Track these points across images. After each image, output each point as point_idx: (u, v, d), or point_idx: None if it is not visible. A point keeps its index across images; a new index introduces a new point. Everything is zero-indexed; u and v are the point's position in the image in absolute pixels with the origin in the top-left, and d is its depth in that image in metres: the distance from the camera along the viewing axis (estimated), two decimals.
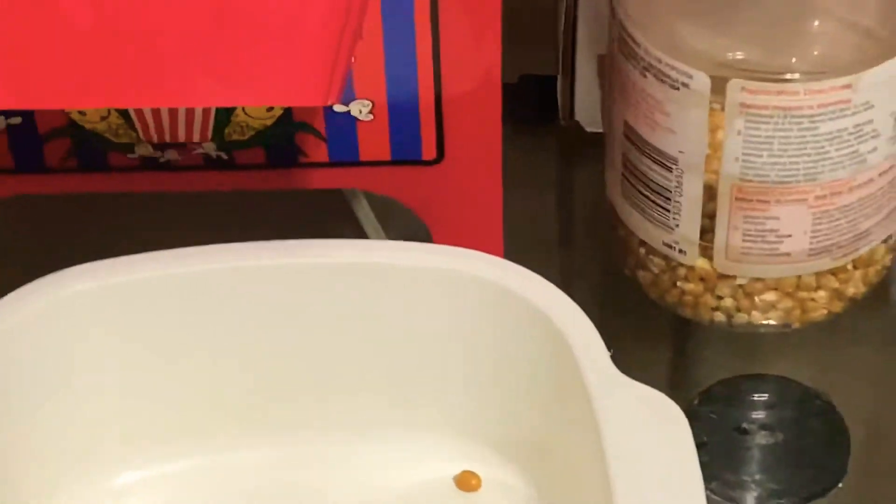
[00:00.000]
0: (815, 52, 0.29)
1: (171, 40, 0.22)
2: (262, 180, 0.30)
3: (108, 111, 0.29)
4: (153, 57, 0.22)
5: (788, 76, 0.27)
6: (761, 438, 0.30)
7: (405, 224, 0.33)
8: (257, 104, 0.28)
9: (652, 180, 0.30)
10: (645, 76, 0.29)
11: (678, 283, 0.31)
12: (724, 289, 0.32)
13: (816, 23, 0.29)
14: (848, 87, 0.27)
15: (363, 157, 0.30)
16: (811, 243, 0.30)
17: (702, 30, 0.29)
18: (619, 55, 0.30)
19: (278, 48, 0.22)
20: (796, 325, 0.32)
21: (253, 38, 0.22)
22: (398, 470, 0.29)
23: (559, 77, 0.38)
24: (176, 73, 0.22)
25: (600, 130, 0.36)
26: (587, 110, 0.38)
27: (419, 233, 0.31)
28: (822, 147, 0.29)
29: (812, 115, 0.27)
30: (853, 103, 0.27)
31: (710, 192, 0.29)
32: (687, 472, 0.23)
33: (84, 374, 0.28)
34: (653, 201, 0.31)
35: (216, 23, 0.22)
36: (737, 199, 0.29)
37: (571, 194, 0.41)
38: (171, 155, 0.30)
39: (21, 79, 0.23)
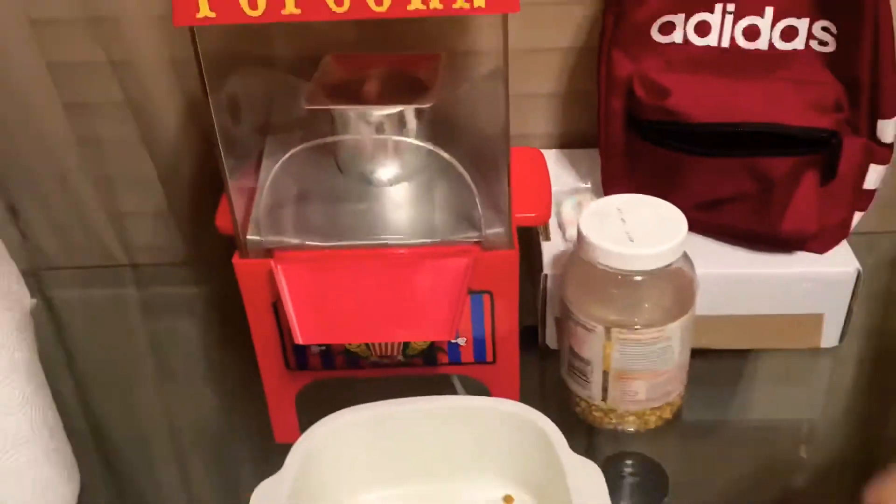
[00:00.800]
0: (647, 317, 0.54)
1: (389, 316, 0.51)
2: (421, 370, 0.57)
3: (366, 345, 0.55)
4: (382, 320, 0.51)
5: (637, 327, 0.53)
6: (629, 479, 0.56)
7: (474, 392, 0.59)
8: (421, 339, 0.54)
9: (578, 369, 0.57)
10: (576, 327, 0.55)
11: (594, 412, 0.59)
12: (612, 414, 0.58)
13: (646, 305, 0.54)
14: (662, 331, 0.55)
15: (463, 360, 0.56)
16: (648, 396, 0.57)
17: (603, 310, 0.55)
18: (568, 318, 0.56)
19: (432, 316, 0.50)
20: (642, 430, 0.59)
21: (422, 312, 0.51)
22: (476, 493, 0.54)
23: (539, 327, 0.64)
24: (390, 327, 0.51)
25: (555, 347, 0.64)
26: (550, 340, 0.64)
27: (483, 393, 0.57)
28: (626, 355, 0.54)
29: (645, 342, 0.54)
30: (663, 337, 0.54)
31: (604, 377, 0.56)
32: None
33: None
34: (579, 378, 0.58)
35: (405, 308, 0.50)
36: (617, 378, 0.56)
37: (545, 375, 0.65)
38: (383, 360, 0.57)
39: (331, 328, 0.52)
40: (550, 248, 0.63)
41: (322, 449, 0.51)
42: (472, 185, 0.50)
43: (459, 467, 0.54)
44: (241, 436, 0.76)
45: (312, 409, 0.55)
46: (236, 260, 0.52)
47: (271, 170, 0.52)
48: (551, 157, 0.71)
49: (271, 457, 0.55)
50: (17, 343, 0.50)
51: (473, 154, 0.53)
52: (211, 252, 0.77)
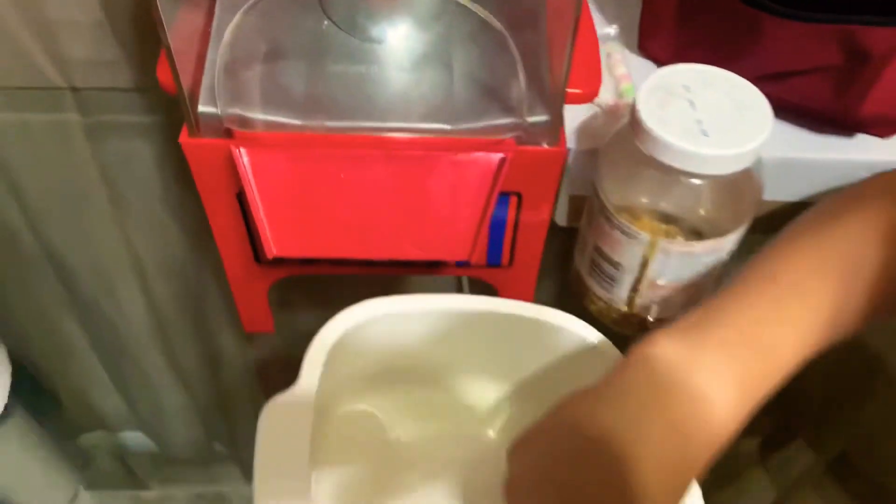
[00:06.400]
0: (703, 226, 0.37)
1: (394, 224, 0.33)
2: (420, 270, 0.41)
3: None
4: (379, 232, 0.33)
5: (686, 238, 0.37)
6: None
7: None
8: (433, 258, 0.35)
9: (605, 271, 0.41)
10: (611, 227, 0.38)
11: (612, 315, 0.43)
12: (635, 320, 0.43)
13: (703, 213, 0.37)
14: (717, 243, 0.38)
15: (472, 263, 0.39)
16: (682, 304, 0.41)
17: (650, 214, 0.37)
18: (598, 210, 0.39)
19: (448, 231, 0.32)
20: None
21: (436, 226, 0.33)
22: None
23: None
24: (390, 241, 0.33)
25: (565, 225, 0.45)
26: (560, 217, 0.44)
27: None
28: (667, 266, 0.39)
29: (696, 253, 0.38)
30: (717, 248, 0.38)
31: (635, 283, 0.40)
32: None
33: None
34: (603, 279, 0.42)
35: (413, 218, 0.32)
36: (649, 287, 0.40)
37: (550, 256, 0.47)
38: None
39: (315, 239, 0.33)
40: (575, 114, 0.43)
41: (333, 356, 0.34)
42: (514, 48, 0.30)
43: (475, 368, 0.40)
44: (208, 268, 0.62)
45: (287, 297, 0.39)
46: (184, 139, 0.32)
47: (232, 13, 0.31)
48: None
49: None
50: None
51: (507, 3, 0.32)
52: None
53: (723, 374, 0.28)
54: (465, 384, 0.41)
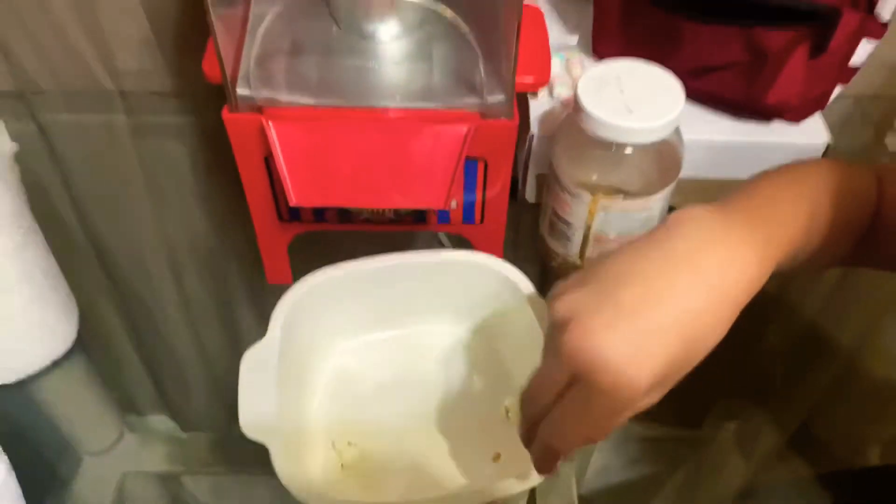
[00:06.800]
0: (633, 187, 0.45)
1: (384, 181, 0.42)
2: (410, 226, 0.49)
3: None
4: (376, 185, 0.42)
5: (622, 197, 0.45)
6: None
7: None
8: (416, 206, 0.44)
9: (560, 230, 0.50)
10: (562, 192, 0.47)
11: (568, 268, 0.52)
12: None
13: (634, 176, 0.45)
14: (646, 201, 0.46)
15: (451, 220, 0.49)
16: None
17: (591, 177, 0.46)
18: (553, 180, 0.48)
19: (427, 184, 0.41)
20: None
21: (418, 180, 0.42)
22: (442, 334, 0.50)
23: (520, 182, 0.54)
24: (384, 192, 0.42)
25: (533, 202, 0.54)
26: (530, 195, 0.54)
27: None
28: (608, 222, 0.47)
29: (629, 210, 0.46)
30: (646, 207, 0.47)
31: (584, 238, 0.49)
32: None
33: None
34: (559, 237, 0.50)
35: (401, 174, 0.42)
36: (595, 241, 0.49)
37: (521, 228, 0.56)
38: (374, 216, 0.48)
39: (326, 191, 0.43)
40: (538, 107, 0.53)
41: (302, 308, 0.44)
42: (477, 47, 0.40)
43: (432, 315, 0.49)
44: (234, 255, 0.69)
45: (305, 255, 0.47)
46: (226, 115, 0.42)
47: (263, 18, 0.41)
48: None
49: (261, 271, 0.49)
50: (2, 193, 0.40)
51: (474, 13, 0.42)
52: (202, 84, 0.66)
53: (752, 233, 0.32)
54: (421, 326, 0.49)
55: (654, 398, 0.31)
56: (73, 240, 0.69)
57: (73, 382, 0.48)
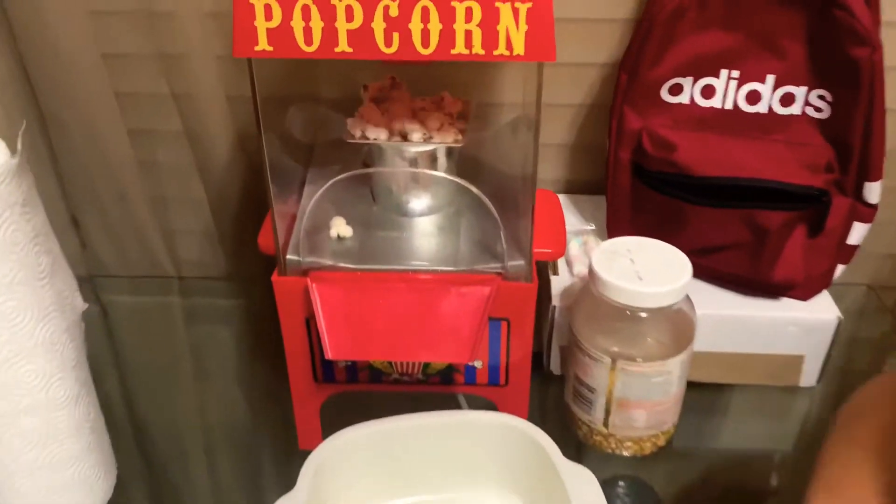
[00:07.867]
0: (650, 351, 0.48)
1: (413, 337, 0.45)
2: (437, 388, 0.51)
3: (388, 363, 0.50)
4: (406, 341, 0.45)
5: (640, 360, 0.48)
6: (623, 499, 0.51)
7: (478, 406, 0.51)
8: (443, 360, 0.47)
9: (584, 395, 0.52)
10: (584, 356, 0.50)
11: (595, 436, 0.53)
12: (612, 439, 0.52)
13: (649, 341, 0.48)
14: (663, 365, 0.48)
15: (478, 381, 0.51)
16: (647, 424, 0.51)
17: (609, 342, 0.49)
18: (575, 347, 0.50)
19: (454, 340, 0.44)
20: (638, 455, 0.52)
21: (445, 336, 0.45)
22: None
23: (544, 354, 0.58)
24: (413, 348, 0.45)
25: (558, 373, 0.58)
26: (555, 366, 0.58)
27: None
28: (628, 385, 0.48)
29: (647, 374, 0.48)
30: (664, 371, 0.49)
31: (607, 404, 0.51)
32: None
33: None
34: (583, 403, 0.52)
35: (429, 331, 0.45)
36: (618, 406, 0.50)
37: (547, 399, 0.58)
38: (403, 378, 0.51)
39: (360, 346, 0.46)
40: (559, 282, 0.58)
41: (331, 465, 0.45)
42: (499, 220, 0.45)
43: (460, 478, 0.48)
44: (267, 437, 0.71)
45: (335, 419, 0.49)
46: (275, 277, 0.46)
47: (312, 196, 0.47)
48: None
49: (292, 459, 0.51)
50: (68, 344, 0.44)
51: (497, 192, 0.48)
52: (249, 270, 0.73)
53: None
54: (451, 493, 0.48)
55: None
56: (113, 414, 0.72)
57: None
